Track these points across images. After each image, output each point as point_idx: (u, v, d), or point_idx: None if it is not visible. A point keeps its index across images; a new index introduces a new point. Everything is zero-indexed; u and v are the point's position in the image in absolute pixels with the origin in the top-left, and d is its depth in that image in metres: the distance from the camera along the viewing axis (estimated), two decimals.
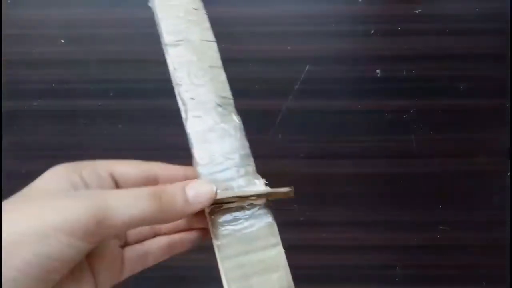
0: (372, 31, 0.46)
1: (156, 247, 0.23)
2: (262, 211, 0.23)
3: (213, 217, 0.21)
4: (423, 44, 0.46)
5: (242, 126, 0.24)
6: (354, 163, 0.46)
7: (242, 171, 0.23)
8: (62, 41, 0.47)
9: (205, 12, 0.27)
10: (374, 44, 0.46)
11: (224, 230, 0.22)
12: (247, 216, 0.22)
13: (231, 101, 0.25)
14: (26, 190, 0.18)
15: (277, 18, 0.46)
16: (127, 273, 0.22)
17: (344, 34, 0.46)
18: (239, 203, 0.22)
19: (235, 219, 0.22)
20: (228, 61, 0.49)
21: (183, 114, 0.23)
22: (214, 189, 0.20)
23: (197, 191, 0.19)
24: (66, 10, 0.47)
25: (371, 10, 0.46)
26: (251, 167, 0.24)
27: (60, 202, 0.16)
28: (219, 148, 0.23)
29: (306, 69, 0.46)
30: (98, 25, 0.47)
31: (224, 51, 0.48)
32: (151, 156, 0.49)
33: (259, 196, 0.22)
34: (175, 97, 0.49)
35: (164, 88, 0.48)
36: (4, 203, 0.16)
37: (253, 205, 0.22)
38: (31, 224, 0.15)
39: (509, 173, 0.46)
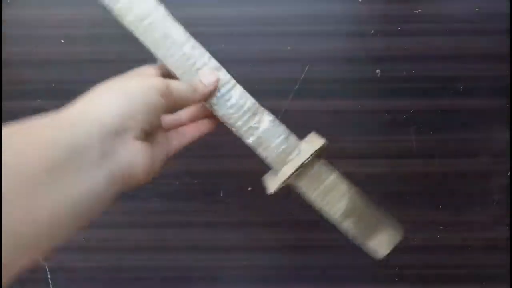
0: (372, 31, 0.46)
1: (190, 129, 0.32)
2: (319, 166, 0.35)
3: (299, 183, 0.34)
4: (423, 44, 0.46)
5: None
6: (354, 163, 0.46)
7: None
8: (62, 41, 0.47)
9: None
10: (374, 44, 0.46)
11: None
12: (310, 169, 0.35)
13: None
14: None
15: (277, 18, 0.46)
16: (172, 148, 0.30)
17: (344, 34, 0.46)
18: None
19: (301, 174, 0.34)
20: (228, 61, 0.49)
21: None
22: (217, 75, 0.32)
23: (208, 79, 0.31)
24: (66, 10, 0.47)
25: (371, 10, 0.46)
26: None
27: (149, 78, 0.28)
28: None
29: (306, 69, 0.46)
30: (98, 25, 0.47)
31: (224, 51, 0.48)
32: None
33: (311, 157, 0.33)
34: None
35: None
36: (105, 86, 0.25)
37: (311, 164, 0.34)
38: (139, 84, 0.25)
39: (509, 173, 0.46)
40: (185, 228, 0.47)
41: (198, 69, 0.32)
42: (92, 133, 0.21)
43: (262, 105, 0.46)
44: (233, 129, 0.33)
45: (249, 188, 0.47)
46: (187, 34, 0.33)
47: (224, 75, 0.33)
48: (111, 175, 0.22)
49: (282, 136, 0.34)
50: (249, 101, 0.34)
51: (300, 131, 0.46)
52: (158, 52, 0.33)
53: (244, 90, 0.34)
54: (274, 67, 0.46)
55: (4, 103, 0.47)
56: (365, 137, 0.46)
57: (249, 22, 0.46)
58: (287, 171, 0.33)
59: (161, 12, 0.32)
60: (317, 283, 0.47)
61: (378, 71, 0.46)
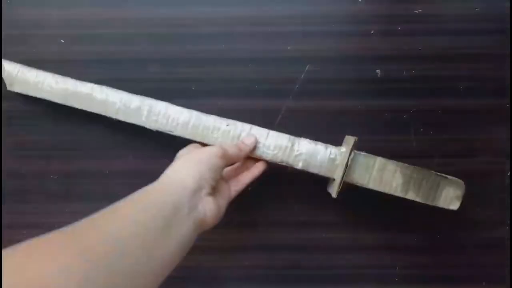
0: (372, 31, 0.46)
1: (244, 176, 0.41)
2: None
3: (354, 178, 0.40)
4: (423, 44, 0.46)
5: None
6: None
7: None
8: (62, 41, 0.47)
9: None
10: (374, 44, 0.46)
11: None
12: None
13: None
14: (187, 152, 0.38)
15: (277, 18, 0.46)
16: (233, 194, 0.39)
17: (344, 34, 0.46)
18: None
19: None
20: (228, 61, 0.49)
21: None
22: (254, 137, 0.41)
23: (248, 140, 0.40)
24: (66, 10, 0.47)
25: (371, 10, 0.46)
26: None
27: (210, 147, 0.37)
28: None
29: (306, 69, 0.46)
30: (98, 25, 0.47)
31: (224, 51, 0.48)
32: (151, 156, 0.49)
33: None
34: (174, 97, 0.50)
35: (165, 87, 0.48)
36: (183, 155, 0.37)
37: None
38: (204, 153, 0.35)
39: (509, 173, 0.46)
40: None
41: (239, 136, 0.41)
42: (182, 195, 0.31)
43: (262, 105, 0.47)
44: (283, 163, 0.41)
45: (249, 188, 0.47)
46: (218, 118, 0.42)
47: (259, 130, 0.41)
48: (195, 222, 0.31)
49: (322, 150, 0.40)
50: (284, 137, 0.41)
51: (300, 131, 0.46)
52: (208, 140, 0.42)
53: (277, 132, 0.41)
54: (274, 67, 0.46)
55: (4, 103, 0.47)
56: (365, 137, 0.46)
57: (249, 22, 0.46)
58: (338, 174, 0.39)
59: (195, 113, 0.42)
60: (317, 283, 0.47)
61: (378, 71, 0.46)
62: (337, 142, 0.46)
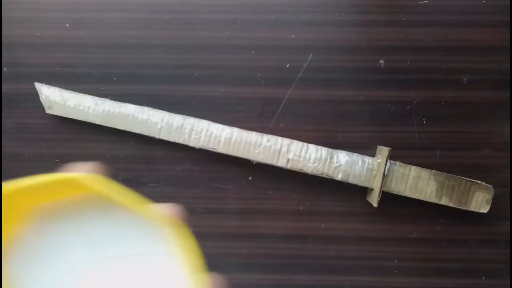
0: (377, 21, 0.46)
1: None
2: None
3: (391, 187, 0.43)
4: (427, 35, 0.46)
5: None
6: (356, 153, 0.45)
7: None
8: (67, 25, 0.47)
9: None
10: (378, 34, 0.46)
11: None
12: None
13: None
14: None
15: (281, 6, 0.46)
16: None
17: (348, 23, 0.46)
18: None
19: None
20: (231, 49, 0.49)
21: None
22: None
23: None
24: None
25: (375, 0, 0.46)
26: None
27: None
28: None
29: (310, 58, 0.46)
30: (103, 9, 0.47)
31: (227, 38, 0.48)
32: (152, 142, 0.48)
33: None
34: (179, 83, 0.50)
35: (167, 74, 0.48)
36: None
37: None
38: None
39: (510, 167, 0.46)
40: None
41: (279, 151, 0.43)
42: None
43: (265, 93, 0.47)
44: (324, 176, 0.43)
45: (250, 178, 0.47)
46: (258, 134, 0.44)
47: (298, 145, 0.43)
48: None
49: (360, 161, 0.42)
50: (323, 150, 0.42)
51: (302, 120, 0.46)
52: (250, 156, 0.43)
53: (314, 145, 0.42)
54: (277, 55, 0.46)
55: (8, 86, 0.47)
56: (367, 127, 0.46)
57: (253, 9, 0.46)
58: (377, 184, 0.42)
59: (236, 130, 0.44)
60: (315, 273, 0.47)
61: (381, 61, 0.46)
62: (338, 132, 0.46)
